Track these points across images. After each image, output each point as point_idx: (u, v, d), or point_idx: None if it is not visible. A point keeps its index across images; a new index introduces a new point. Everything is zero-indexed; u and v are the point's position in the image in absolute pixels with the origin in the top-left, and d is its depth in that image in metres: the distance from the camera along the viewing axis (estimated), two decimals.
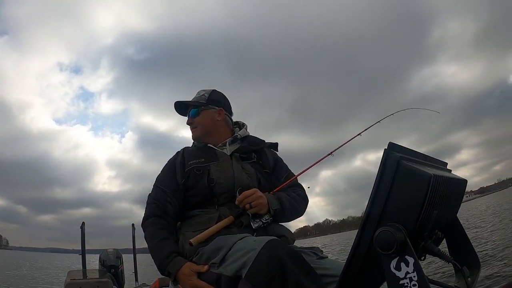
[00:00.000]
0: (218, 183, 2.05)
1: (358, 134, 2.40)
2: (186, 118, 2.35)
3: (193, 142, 2.39)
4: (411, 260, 1.03)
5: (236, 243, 1.69)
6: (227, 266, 1.63)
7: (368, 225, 1.12)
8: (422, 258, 1.30)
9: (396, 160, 1.09)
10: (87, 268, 6.25)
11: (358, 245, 1.14)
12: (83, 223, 6.42)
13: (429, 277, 1.08)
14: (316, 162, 2.28)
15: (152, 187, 2.22)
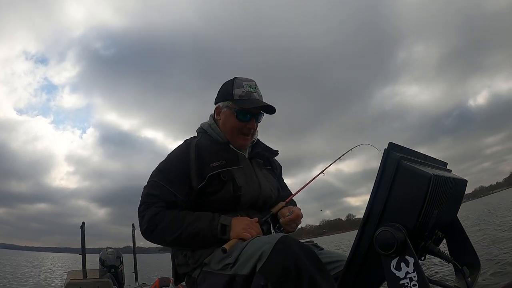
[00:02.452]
0: (244, 193, 1.92)
1: (321, 173, 2.32)
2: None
3: (205, 131, 2.11)
4: (411, 260, 1.03)
5: (249, 242, 1.67)
6: (242, 265, 1.60)
7: (368, 225, 1.12)
8: (422, 258, 1.30)
9: (396, 160, 1.10)
10: (87, 268, 6.25)
11: (358, 245, 1.14)
12: (83, 223, 6.41)
13: (429, 277, 1.08)
14: (309, 182, 2.28)
15: (152, 182, 1.92)
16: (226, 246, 1.69)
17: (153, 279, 5.29)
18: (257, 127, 2.08)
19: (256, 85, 2.05)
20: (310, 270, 1.41)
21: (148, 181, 1.95)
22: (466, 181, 1.53)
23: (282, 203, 2.03)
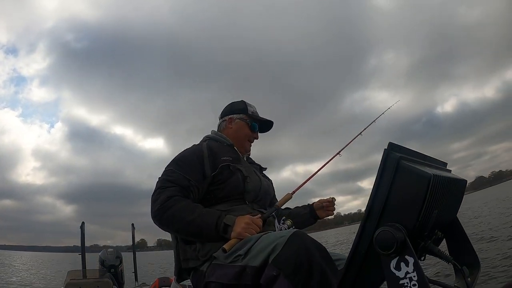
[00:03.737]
0: (249, 181, 2.12)
1: (337, 154, 2.72)
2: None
3: (211, 138, 2.38)
4: (411, 260, 1.03)
5: (262, 236, 1.71)
6: (253, 257, 1.63)
7: (368, 225, 1.12)
8: (422, 258, 1.30)
9: (396, 160, 1.10)
10: (87, 268, 6.24)
11: (358, 245, 1.14)
12: (83, 223, 6.41)
13: (429, 277, 1.08)
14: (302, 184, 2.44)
15: (167, 170, 2.10)
16: (226, 246, 1.75)
17: (153, 279, 5.28)
18: (258, 138, 2.46)
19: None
20: (322, 264, 1.44)
21: (163, 171, 2.11)
22: (466, 181, 1.53)
23: (289, 194, 2.25)
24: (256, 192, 2.15)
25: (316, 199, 2.38)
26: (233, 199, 2.06)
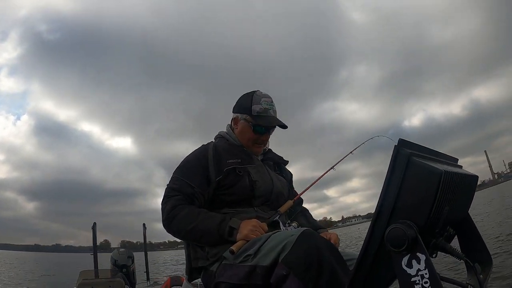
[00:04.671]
0: (258, 186, 2.07)
1: (331, 168, 2.60)
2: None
3: (222, 137, 2.35)
4: (422, 257, 1.02)
5: (271, 236, 1.71)
6: (263, 256, 1.63)
7: (379, 222, 1.12)
8: (434, 255, 1.29)
9: (406, 156, 1.09)
10: (99, 268, 6.28)
11: (369, 242, 1.14)
12: (95, 223, 6.46)
13: (440, 274, 1.07)
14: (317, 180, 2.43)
15: (173, 178, 2.11)
16: (233, 247, 1.76)
17: (165, 278, 5.30)
18: (269, 138, 2.33)
19: (272, 101, 2.28)
20: (332, 262, 1.44)
21: (170, 178, 2.13)
22: (477, 176, 1.52)
23: (290, 202, 2.14)
24: (266, 196, 2.11)
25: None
26: (241, 204, 2.05)
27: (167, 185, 2.11)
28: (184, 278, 2.18)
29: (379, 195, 1.12)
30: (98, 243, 8.55)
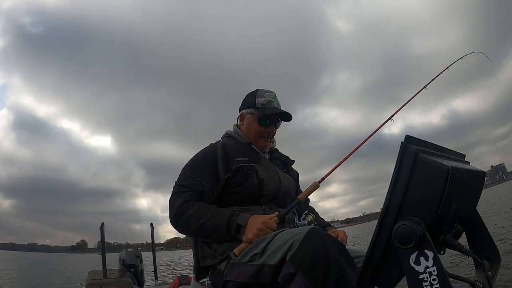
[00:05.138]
0: (266, 184, 2.08)
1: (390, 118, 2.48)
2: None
3: (229, 135, 2.38)
4: (430, 254, 1.02)
5: (278, 234, 1.71)
6: (270, 255, 1.63)
7: (387, 219, 1.12)
8: (442, 252, 1.28)
9: (413, 152, 1.08)
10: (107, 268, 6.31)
11: (377, 239, 1.14)
12: (103, 223, 6.48)
13: (448, 271, 1.07)
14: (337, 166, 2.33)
15: (182, 175, 2.12)
16: (236, 251, 1.77)
17: (173, 278, 5.32)
18: (275, 133, 2.35)
19: (275, 96, 2.35)
20: (340, 260, 1.43)
21: (179, 175, 2.13)
22: (485, 172, 1.51)
23: (315, 183, 2.06)
24: (274, 194, 2.11)
25: None
26: (249, 202, 2.05)
27: (176, 182, 2.11)
28: (192, 277, 2.17)
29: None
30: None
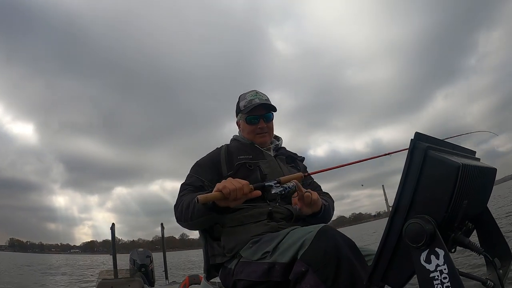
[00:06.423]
0: (270, 179, 2.04)
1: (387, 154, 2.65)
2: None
3: (235, 139, 2.46)
4: (441, 252, 1.01)
5: (289, 232, 1.70)
6: (282, 253, 1.63)
7: (397, 217, 1.11)
8: (453, 250, 1.28)
9: (423, 150, 1.08)
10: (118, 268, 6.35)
11: (387, 238, 1.13)
12: (113, 224, 6.51)
13: (459, 269, 1.06)
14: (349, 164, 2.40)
15: (187, 176, 2.21)
16: (200, 197, 1.70)
17: (183, 277, 5.33)
18: (272, 126, 2.42)
19: (256, 92, 2.44)
20: (351, 258, 1.42)
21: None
22: (495, 169, 1.50)
23: (300, 174, 2.08)
24: None
25: None
26: (255, 199, 1.98)
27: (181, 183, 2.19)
28: (202, 276, 2.17)
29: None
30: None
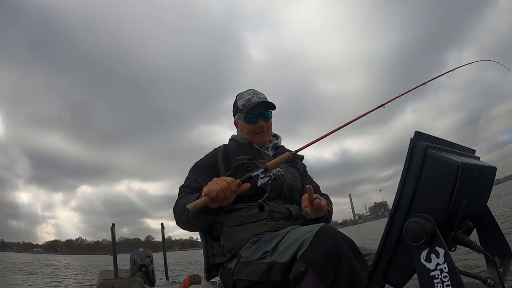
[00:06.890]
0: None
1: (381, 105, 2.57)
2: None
3: (233, 139, 2.46)
4: (441, 251, 1.01)
5: (289, 232, 1.70)
6: (281, 253, 1.62)
7: (397, 216, 1.11)
8: (453, 249, 1.28)
9: (423, 148, 1.08)
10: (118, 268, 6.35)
11: (388, 237, 1.13)
12: (113, 224, 6.51)
13: (460, 268, 1.06)
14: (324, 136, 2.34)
15: (186, 178, 2.21)
16: (189, 205, 1.72)
17: (184, 277, 5.34)
18: (270, 124, 2.42)
19: (254, 91, 2.45)
20: (351, 258, 1.42)
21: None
22: (495, 168, 1.49)
23: (287, 154, 2.00)
24: (277, 189, 2.10)
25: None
26: (254, 199, 2.02)
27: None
28: (203, 276, 2.18)
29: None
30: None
